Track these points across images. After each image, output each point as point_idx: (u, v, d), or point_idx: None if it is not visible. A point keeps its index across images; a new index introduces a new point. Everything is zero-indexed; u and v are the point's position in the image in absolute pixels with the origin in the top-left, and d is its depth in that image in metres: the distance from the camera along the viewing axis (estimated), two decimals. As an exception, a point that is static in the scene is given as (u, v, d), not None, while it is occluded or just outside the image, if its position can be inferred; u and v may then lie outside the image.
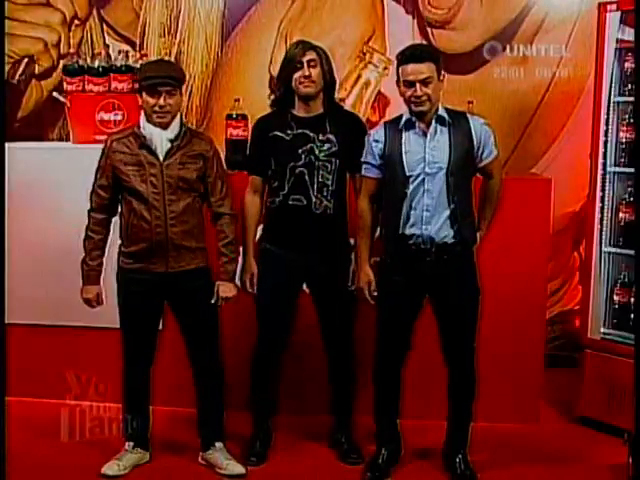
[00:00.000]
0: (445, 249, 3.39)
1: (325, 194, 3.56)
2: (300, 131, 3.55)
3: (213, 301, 3.56)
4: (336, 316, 3.70)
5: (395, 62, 3.45)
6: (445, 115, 3.39)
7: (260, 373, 3.76)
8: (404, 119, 3.42)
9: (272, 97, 3.71)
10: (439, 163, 3.35)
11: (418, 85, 3.30)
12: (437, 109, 3.38)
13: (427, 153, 3.36)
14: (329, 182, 3.56)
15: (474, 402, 3.59)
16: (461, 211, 3.38)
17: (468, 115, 3.48)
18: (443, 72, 3.39)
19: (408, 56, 3.35)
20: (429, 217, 3.36)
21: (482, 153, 3.43)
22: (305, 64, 3.49)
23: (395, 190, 3.39)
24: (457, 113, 3.47)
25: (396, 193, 3.39)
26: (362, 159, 3.49)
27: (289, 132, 3.55)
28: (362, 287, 3.51)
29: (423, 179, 3.36)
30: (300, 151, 3.54)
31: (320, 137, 3.54)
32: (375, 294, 3.50)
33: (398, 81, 3.38)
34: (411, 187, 3.36)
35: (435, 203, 3.36)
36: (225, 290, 3.56)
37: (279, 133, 3.56)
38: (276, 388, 3.83)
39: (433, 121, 3.37)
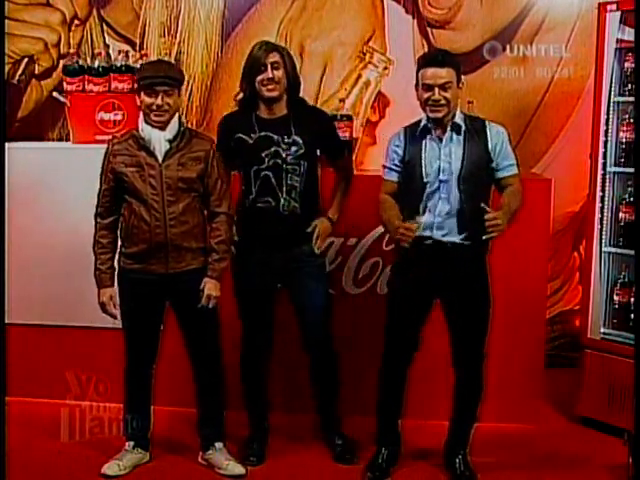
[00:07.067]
0: (457, 254, 3.38)
1: (294, 195, 3.55)
2: (263, 134, 3.52)
3: (200, 306, 3.50)
4: (312, 315, 3.66)
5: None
6: (461, 123, 3.38)
7: (249, 374, 3.76)
8: (421, 125, 3.41)
9: (239, 97, 3.68)
10: (452, 170, 3.34)
11: (437, 89, 3.28)
12: (454, 116, 3.37)
13: (441, 160, 3.35)
14: (298, 184, 3.55)
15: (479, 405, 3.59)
16: (474, 218, 3.32)
17: (486, 123, 3.44)
18: (462, 79, 3.38)
19: (429, 60, 3.35)
20: (441, 223, 3.36)
21: (498, 164, 3.39)
22: (268, 66, 3.47)
23: (413, 195, 3.39)
24: (475, 120, 3.45)
25: (414, 198, 3.38)
26: (383, 163, 3.50)
27: (252, 135, 3.53)
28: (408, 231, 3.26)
29: (438, 186, 3.35)
30: (264, 154, 3.52)
31: (286, 139, 3.53)
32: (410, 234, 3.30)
33: (417, 85, 3.37)
34: (427, 193, 3.36)
35: (449, 210, 3.35)
36: (211, 288, 3.50)
37: (243, 136, 3.54)
38: (266, 386, 3.80)
39: (448, 128, 3.36)
